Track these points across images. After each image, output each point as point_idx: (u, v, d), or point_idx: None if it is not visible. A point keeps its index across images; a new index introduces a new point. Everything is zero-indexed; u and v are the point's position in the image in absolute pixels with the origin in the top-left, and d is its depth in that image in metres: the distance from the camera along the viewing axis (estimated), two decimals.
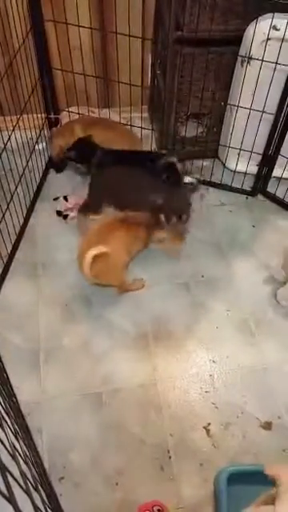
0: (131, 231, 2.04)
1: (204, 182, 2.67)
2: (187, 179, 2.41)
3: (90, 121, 2.63)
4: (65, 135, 2.62)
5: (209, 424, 1.79)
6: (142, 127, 2.64)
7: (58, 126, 2.75)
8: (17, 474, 0.72)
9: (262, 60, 2.09)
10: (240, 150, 2.49)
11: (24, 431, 1.40)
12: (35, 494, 0.97)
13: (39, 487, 0.96)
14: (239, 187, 2.66)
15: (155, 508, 1.54)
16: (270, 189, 2.63)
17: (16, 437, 0.94)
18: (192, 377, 1.92)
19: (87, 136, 2.45)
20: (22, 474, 0.68)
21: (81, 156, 2.46)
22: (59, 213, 2.47)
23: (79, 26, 2.27)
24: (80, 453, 1.69)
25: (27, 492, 0.63)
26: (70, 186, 2.62)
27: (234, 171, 2.67)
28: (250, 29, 2.09)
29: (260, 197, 2.67)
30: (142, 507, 1.53)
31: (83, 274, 1.94)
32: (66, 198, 2.53)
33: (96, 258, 1.86)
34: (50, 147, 2.71)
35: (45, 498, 1.04)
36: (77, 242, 2.33)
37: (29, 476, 0.98)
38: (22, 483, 0.66)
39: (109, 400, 1.82)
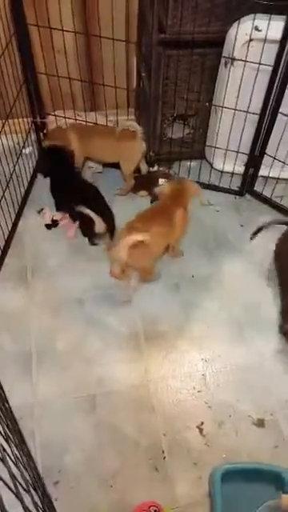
0: (170, 223, 2.09)
1: None
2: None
3: (86, 129, 2.62)
4: (58, 141, 2.62)
5: (202, 423, 1.80)
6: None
7: (45, 131, 2.75)
8: (7, 477, 0.72)
9: (245, 61, 2.11)
10: (226, 150, 2.51)
11: (16, 435, 1.40)
12: (27, 498, 0.97)
13: (31, 490, 0.96)
14: (227, 187, 2.68)
15: (152, 508, 1.54)
16: (258, 188, 2.65)
17: (7, 441, 0.94)
18: (184, 376, 1.93)
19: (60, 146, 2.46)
20: (12, 476, 0.68)
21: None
22: (48, 226, 2.46)
23: (63, 30, 2.27)
24: (74, 456, 1.69)
25: (17, 495, 0.64)
26: None
27: (222, 171, 2.69)
28: (233, 30, 2.11)
29: (248, 196, 2.69)
30: (137, 508, 1.53)
31: (117, 256, 1.95)
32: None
33: (135, 244, 1.90)
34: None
35: (37, 500, 1.04)
36: (65, 246, 2.34)
37: (20, 479, 0.98)
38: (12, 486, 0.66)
39: (102, 402, 1.83)
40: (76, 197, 2.33)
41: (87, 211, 2.25)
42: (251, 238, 2.39)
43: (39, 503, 1.16)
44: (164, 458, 1.70)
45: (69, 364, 1.93)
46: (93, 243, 2.35)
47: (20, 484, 1.02)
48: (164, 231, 2.07)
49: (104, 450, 1.71)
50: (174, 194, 2.15)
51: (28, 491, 1.00)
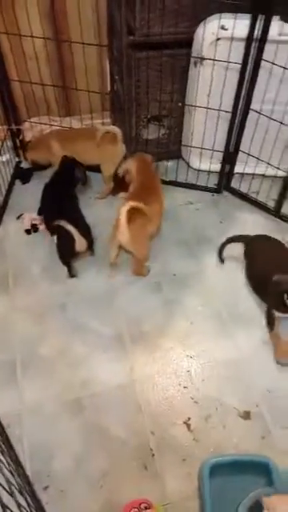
0: (158, 199, 2.24)
1: (170, 183, 2.72)
2: None
3: (66, 134, 2.63)
4: (39, 150, 2.64)
5: (189, 419, 1.81)
6: None
7: (21, 138, 2.75)
8: None
9: (214, 60, 2.14)
10: (201, 148, 2.54)
11: (4, 443, 1.40)
12: (13, 503, 0.98)
13: (17, 495, 0.97)
14: (204, 185, 2.71)
15: (142, 505, 1.55)
16: (234, 185, 2.69)
17: None
18: (170, 374, 1.94)
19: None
20: None
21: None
22: (28, 231, 2.45)
23: (32, 37, 2.28)
24: (63, 460, 1.69)
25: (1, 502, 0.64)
26: (38, 196, 2.62)
27: (198, 170, 2.72)
28: (200, 30, 2.14)
29: (225, 193, 2.73)
30: (127, 505, 1.54)
31: (119, 234, 2.03)
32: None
33: (133, 218, 1.99)
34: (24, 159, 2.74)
35: (25, 505, 1.05)
36: (46, 251, 2.34)
37: (5, 485, 0.99)
38: None
39: (89, 404, 1.83)
40: (57, 208, 2.27)
41: (68, 227, 2.12)
42: (222, 262, 2.34)
43: (27, 508, 1.17)
44: (153, 455, 1.72)
45: (54, 369, 1.93)
46: (72, 275, 2.24)
47: (6, 490, 1.03)
48: (156, 206, 2.19)
49: (92, 451, 1.71)
50: (141, 170, 2.29)
51: (12, 494, 1.01)
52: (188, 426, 1.80)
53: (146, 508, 1.54)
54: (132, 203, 1.99)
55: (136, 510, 1.52)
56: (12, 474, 1.18)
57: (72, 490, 1.62)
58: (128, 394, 1.86)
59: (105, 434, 1.76)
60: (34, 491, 1.49)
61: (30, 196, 2.62)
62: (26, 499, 1.16)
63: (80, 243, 2.16)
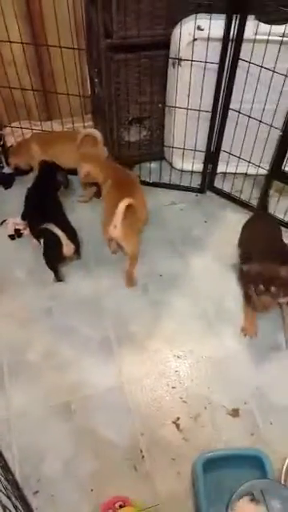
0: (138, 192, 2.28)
1: (153, 184, 2.72)
2: None
3: (47, 139, 2.62)
4: (21, 154, 2.64)
5: (178, 418, 1.81)
6: None
7: (2, 143, 2.74)
8: None
9: (192, 60, 2.16)
10: (184, 149, 2.55)
11: None
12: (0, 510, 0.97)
13: (3, 499, 0.96)
14: (188, 185, 2.72)
15: (117, 504, 1.53)
16: (217, 184, 2.71)
17: None
18: (158, 374, 1.94)
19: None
20: None
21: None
22: (12, 236, 2.44)
23: (10, 42, 2.28)
24: (52, 464, 1.68)
25: None
26: (21, 201, 2.61)
27: (181, 170, 2.73)
28: (176, 31, 2.15)
29: (209, 193, 2.74)
30: (103, 506, 1.53)
31: (113, 230, 2.04)
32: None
33: (125, 214, 1.99)
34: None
35: (19, 506, 1.04)
36: (30, 257, 2.33)
37: None
38: None
39: (77, 408, 1.82)
40: (41, 212, 2.25)
41: (56, 230, 2.10)
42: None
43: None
44: (143, 457, 1.71)
45: (41, 373, 1.92)
46: (59, 279, 2.22)
47: None
48: (140, 199, 2.23)
49: (82, 454, 1.70)
50: (106, 167, 2.36)
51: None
52: (177, 425, 1.80)
53: (120, 507, 1.53)
54: (129, 200, 1.99)
55: (111, 511, 1.50)
56: (0, 480, 1.18)
57: (62, 494, 1.61)
58: (117, 396, 1.86)
59: (94, 436, 1.75)
60: (24, 496, 1.47)
61: (12, 201, 2.61)
62: (14, 505, 1.15)
63: (67, 247, 2.15)
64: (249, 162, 2.45)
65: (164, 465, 1.69)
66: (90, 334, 2.06)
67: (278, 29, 2.01)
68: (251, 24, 2.03)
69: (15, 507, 1.29)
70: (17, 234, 2.43)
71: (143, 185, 2.63)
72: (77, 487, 1.63)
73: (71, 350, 2.00)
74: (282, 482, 1.57)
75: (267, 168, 2.40)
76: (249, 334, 2.04)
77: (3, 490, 1.21)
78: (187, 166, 2.68)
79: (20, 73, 2.45)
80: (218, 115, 2.33)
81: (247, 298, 2.07)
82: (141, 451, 1.72)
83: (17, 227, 2.44)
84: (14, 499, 1.29)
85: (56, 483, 1.63)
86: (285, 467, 1.61)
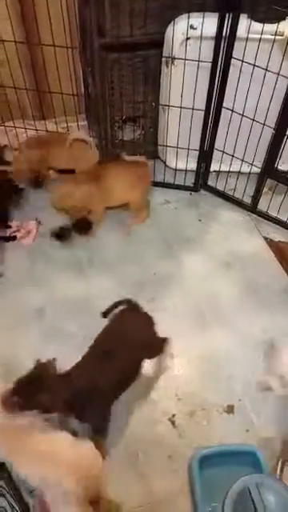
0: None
1: None
2: None
3: (39, 142, 2.57)
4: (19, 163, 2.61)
5: (173, 415, 1.82)
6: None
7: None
8: None
9: (185, 59, 2.16)
10: (177, 148, 2.55)
11: None
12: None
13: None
14: (182, 184, 2.72)
15: None
16: (211, 183, 2.71)
17: None
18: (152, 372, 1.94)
19: None
20: None
21: None
22: (7, 239, 2.43)
23: (3, 41, 2.28)
24: None
25: None
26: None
27: (175, 169, 2.73)
28: (169, 30, 2.16)
29: (202, 191, 2.75)
30: None
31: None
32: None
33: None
34: None
35: (14, 504, 1.04)
36: (24, 254, 2.33)
37: None
38: None
39: None
40: None
41: None
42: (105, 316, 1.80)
43: (9, 510, 1.16)
44: (138, 454, 1.72)
45: None
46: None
47: None
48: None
49: None
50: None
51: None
52: (173, 422, 1.80)
53: None
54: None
55: None
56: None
57: None
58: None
59: None
60: (21, 495, 1.48)
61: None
62: (9, 503, 1.15)
63: None
64: (242, 160, 2.46)
65: (160, 462, 1.70)
66: (82, 334, 2.03)
67: (271, 27, 2.02)
68: (244, 22, 2.04)
69: (11, 506, 1.30)
70: (12, 238, 2.44)
71: None
72: None
73: (63, 351, 1.96)
74: (277, 476, 1.58)
75: (260, 166, 2.41)
76: None
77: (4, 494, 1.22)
78: (181, 165, 2.68)
79: (13, 72, 2.45)
80: (211, 114, 2.33)
81: None
82: (136, 449, 1.73)
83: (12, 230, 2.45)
84: (9, 498, 1.29)
85: None
86: (280, 462, 1.63)
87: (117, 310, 1.76)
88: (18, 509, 1.33)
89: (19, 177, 2.62)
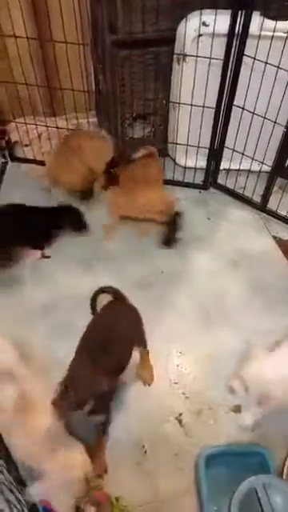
0: None
1: None
2: None
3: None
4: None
5: (180, 414, 1.82)
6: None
7: (7, 138, 2.74)
8: None
9: (197, 56, 2.15)
10: (187, 145, 2.54)
11: None
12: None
13: (5, 490, 0.97)
14: (191, 182, 2.71)
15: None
16: (221, 181, 2.70)
17: None
18: (160, 370, 1.94)
19: None
20: None
21: None
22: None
23: (15, 37, 2.28)
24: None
25: None
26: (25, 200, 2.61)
27: (185, 167, 2.72)
28: (182, 27, 2.15)
29: (212, 189, 2.74)
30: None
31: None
32: None
33: None
34: None
35: (13, 501, 1.05)
36: None
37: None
38: None
39: None
40: None
41: None
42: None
43: (17, 505, 1.17)
44: (145, 452, 1.72)
45: (46, 371, 1.90)
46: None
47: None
48: None
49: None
50: None
51: (2, 493, 1.01)
52: (180, 421, 1.80)
53: None
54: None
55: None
56: (2, 471, 1.19)
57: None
58: (119, 393, 1.86)
59: None
60: (27, 487, 1.48)
61: (18, 196, 2.61)
62: (16, 496, 1.16)
63: None
64: (252, 158, 2.44)
65: (166, 460, 1.70)
66: None
67: (284, 25, 2.00)
68: (256, 20, 2.03)
69: (18, 501, 1.30)
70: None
71: None
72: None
73: (70, 347, 1.98)
74: (284, 477, 1.58)
75: (271, 164, 2.39)
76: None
77: (5, 482, 1.22)
78: (190, 163, 2.67)
79: (25, 68, 2.45)
80: (222, 111, 2.32)
81: None
82: (143, 447, 1.73)
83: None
84: (17, 493, 1.30)
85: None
86: (287, 463, 1.62)
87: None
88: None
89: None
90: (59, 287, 2.22)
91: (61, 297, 2.18)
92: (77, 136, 2.57)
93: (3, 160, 2.81)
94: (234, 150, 2.47)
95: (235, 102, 2.27)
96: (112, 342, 1.61)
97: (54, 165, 2.55)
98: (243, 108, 2.27)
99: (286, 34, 2.01)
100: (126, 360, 1.67)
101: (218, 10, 2.01)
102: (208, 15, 2.07)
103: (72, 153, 2.46)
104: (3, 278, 2.24)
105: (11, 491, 1.14)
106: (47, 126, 2.71)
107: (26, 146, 2.78)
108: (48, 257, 2.35)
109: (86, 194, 2.57)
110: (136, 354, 1.80)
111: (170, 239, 2.40)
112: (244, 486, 1.37)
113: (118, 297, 1.81)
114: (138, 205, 2.41)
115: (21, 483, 1.51)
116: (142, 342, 1.82)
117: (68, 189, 2.54)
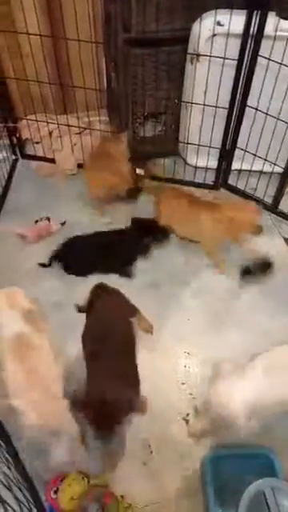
0: None
1: (167, 180, 2.72)
2: None
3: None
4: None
5: (187, 415, 1.82)
6: (101, 130, 2.66)
7: (18, 135, 2.75)
8: None
9: (210, 56, 2.14)
10: (198, 145, 2.53)
11: (3, 438, 1.40)
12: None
13: (13, 488, 0.97)
14: (202, 182, 2.70)
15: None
16: (232, 181, 2.69)
17: None
18: (168, 371, 1.95)
19: None
20: None
21: None
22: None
23: (28, 34, 2.28)
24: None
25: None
26: (35, 196, 2.62)
27: (196, 167, 2.71)
28: (196, 26, 2.14)
29: (222, 190, 2.72)
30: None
31: None
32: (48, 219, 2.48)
33: None
34: None
35: (22, 498, 1.05)
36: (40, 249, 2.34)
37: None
38: None
39: None
40: None
41: None
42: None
43: (26, 503, 1.17)
44: (151, 452, 1.72)
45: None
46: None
47: (4, 484, 1.03)
48: None
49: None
50: None
51: (10, 489, 1.01)
52: (187, 422, 1.80)
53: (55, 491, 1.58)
54: None
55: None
56: (10, 469, 1.19)
57: None
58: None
59: None
60: (34, 487, 1.48)
61: (28, 194, 2.62)
62: (24, 494, 1.16)
63: None
64: (265, 159, 2.43)
65: (173, 461, 1.70)
66: None
67: None
68: (272, 20, 2.01)
69: (25, 498, 1.30)
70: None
71: (157, 180, 2.66)
72: None
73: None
74: None
75: (283, 166, 2.38)
76: None
77: (14, 480, 1.23)
78: (201, 163, 2.66)
79: (37, 65, 2.45)
80: (234, 112, 2.31)
81: None
82: (149, 447, 1.73)
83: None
84: (24, 491, 1.30)
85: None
86: None
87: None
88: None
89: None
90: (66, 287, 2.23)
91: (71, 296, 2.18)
92: (108, 141, 2.56)
93: (14, 157, 2.81)
94: (245, 151, 2.45)
95: (248, 103, 2.26)
96: (112, 332, 1.68)
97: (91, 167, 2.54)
98: (256, 109, 2.25)
99: None
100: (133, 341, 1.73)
101: (233, 10, 1.99)
102: (223, 15, 2.06)
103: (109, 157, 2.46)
104: None
105: (20, 490, 1.14)
106: (58, 124, 2.71)
107: (37, 143, 2.78)
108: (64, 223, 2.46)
109: (133, 191, 2.60)
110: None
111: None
112: (252, 489, 1.36)
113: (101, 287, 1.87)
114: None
115: (27, 481, 1.51)
116: (133, 313, 1.91)
117: (113, 189, 2.53)
